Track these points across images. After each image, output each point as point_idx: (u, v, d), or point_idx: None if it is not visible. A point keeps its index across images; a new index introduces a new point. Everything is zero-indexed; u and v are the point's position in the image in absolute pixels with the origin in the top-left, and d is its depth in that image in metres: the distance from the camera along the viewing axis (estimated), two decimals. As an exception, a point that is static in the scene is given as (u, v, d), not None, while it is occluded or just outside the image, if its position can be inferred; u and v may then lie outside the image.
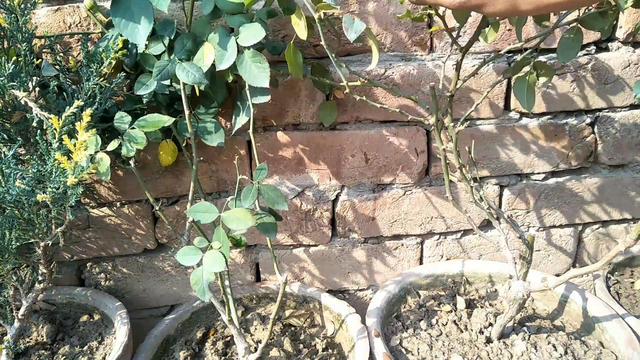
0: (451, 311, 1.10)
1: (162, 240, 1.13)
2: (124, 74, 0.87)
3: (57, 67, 0.89)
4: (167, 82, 0.87)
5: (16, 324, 0.92)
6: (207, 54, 0.82)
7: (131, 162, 0.85)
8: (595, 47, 1.09)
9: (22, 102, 0.79)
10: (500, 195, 1.18)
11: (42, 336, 1.03)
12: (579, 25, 0.85)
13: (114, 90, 0.88)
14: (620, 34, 1.07)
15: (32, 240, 0.85)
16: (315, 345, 1.06)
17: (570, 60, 0.87)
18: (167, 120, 0.85)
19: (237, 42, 0.80)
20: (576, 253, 1.26)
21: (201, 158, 1.05)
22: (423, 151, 1.11)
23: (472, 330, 1.05)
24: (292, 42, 0.86)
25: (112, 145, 0.82)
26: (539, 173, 1.17)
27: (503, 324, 1.01)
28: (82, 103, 0.79)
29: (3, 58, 0.78)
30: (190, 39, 0.85)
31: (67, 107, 0.77)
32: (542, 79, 0.91)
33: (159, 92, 0.89)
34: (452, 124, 0.90)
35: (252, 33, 0.79)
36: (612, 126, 1.14)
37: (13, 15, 0.80)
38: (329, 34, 1.00)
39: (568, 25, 0.87)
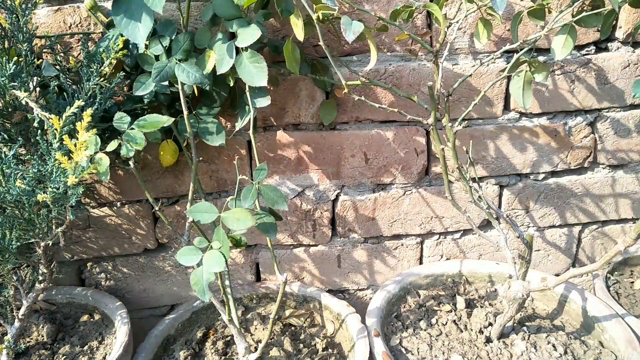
0: (451, 311, 1.10)
1: (163, 240, 1.13)
2: (124, 73, 0.87)
3: (57, 67, 0.89)
4: (167, 82, 0.88)
5: (16, 323, 0.93)
6: (209, 60, 0.85)
7: (130, 162, 0.85)
8: (594, 47, 1.09)
9: (23, 102, 0.79)
10: (500, 195, 1.19)
11: (42, 336, 1.03)
12: (572, 23, 0.85)
13: (114, 90, 0.88)
14: (619, 34, 1.07)
15: (33, 240, 0.85)
16: (315, 344, 1.06)
17: (564, 57, 0.87)
18: (166, 120, 0.85)
19: (235, 45, 0.82)
20: (576, 253, 1.26)
21: (201, 158, 1.05)
22: (423, 151, 1.12)
23: (472, 330, 1.05)
24: (290, 38, 0.86)
25: (112, 146, 0.82)
26: (538, 173, 1.17)
27: (503, 324, 1.01)
28: (83, 103, 0.79)
29: (4, 58, 0.78)
30: (187, 38, 0.85)
31: (68, 107, 0.77)
32: (538, 76, 0.91)
33: (160, 92, 0.90)
34: (449, 124, 0.90)
35: (249, 34, 0.81)
36: (612, 126, 1.14)
37: (14, 15, 0.80)
38: (329, 34, 1.00)
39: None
